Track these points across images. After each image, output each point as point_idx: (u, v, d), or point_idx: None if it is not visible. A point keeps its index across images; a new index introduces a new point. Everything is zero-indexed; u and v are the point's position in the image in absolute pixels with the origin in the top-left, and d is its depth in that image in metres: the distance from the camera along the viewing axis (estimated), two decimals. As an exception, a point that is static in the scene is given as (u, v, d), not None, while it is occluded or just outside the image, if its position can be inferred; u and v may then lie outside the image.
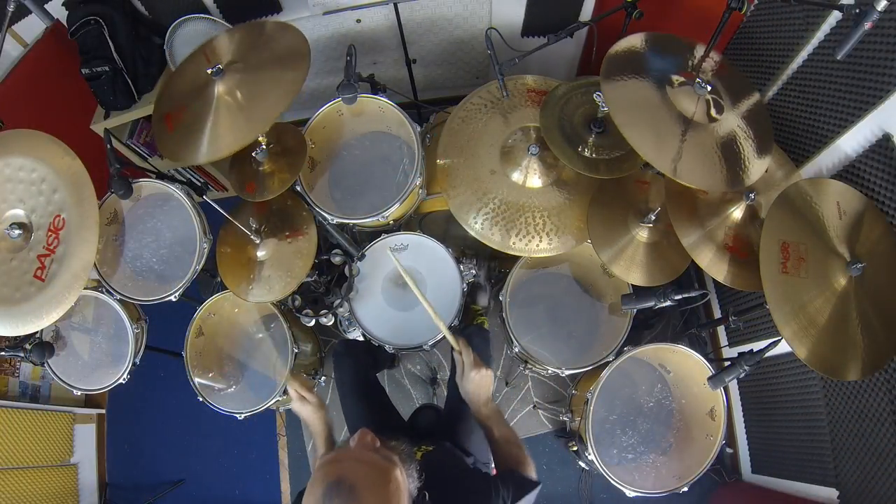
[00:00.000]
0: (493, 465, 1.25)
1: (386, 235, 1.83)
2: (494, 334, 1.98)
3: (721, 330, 2.36)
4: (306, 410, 1.34)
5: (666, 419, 1.92)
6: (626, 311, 1.77)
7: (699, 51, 1.58)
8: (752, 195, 1.51)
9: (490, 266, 2.30)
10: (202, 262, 1.75)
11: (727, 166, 1.44)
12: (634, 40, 1.56)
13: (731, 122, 1.50)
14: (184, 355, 1.94)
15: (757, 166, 1.47)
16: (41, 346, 1.66)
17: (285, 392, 1.90)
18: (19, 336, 1.59)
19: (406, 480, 0.88)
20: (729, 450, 2.32)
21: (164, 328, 1.99)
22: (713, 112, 1.47)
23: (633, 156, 1.65)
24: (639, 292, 1.61)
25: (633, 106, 1.45)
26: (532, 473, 1.16)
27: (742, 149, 1.48)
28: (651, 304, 1.54)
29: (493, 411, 1.24)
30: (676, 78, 1.48)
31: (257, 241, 1.79)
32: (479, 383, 1.22)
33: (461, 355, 1.27)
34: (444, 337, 1.75)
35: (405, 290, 1.82)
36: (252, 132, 1.51)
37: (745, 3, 1.39)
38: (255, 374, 2.09)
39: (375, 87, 1.91)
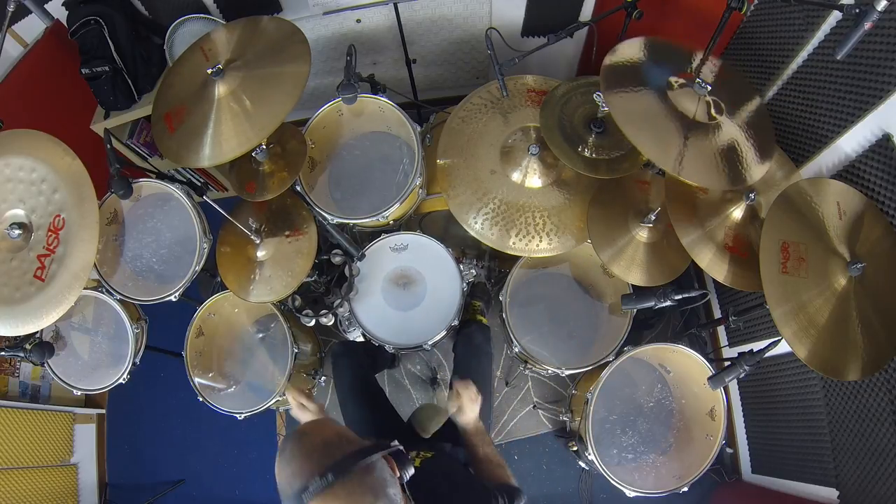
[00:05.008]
0: None
1: (386, 235, 1.83)
2: (494, 334, 1.98)
3: (721, 330, 2.36)
4: (306, 418, 1.35)
5: (666, 419, 1.92)
6: (626, 311, 1.77)
7: (698, 57, 1.59)
8: (752, 195, 1.51)
9: (490, 265, 2.30)
10: (202, 262, 1.75)
11: (728, 169, 1.44)
12: (631, 50, 1.55)
13: (731, 130, 1.49)
14: (184, 355, 1.94)
15: (757, 171, 1.47)
16: (41, 346, 1.66)
17: (285, 392, 1.90)
18: (19, 336, 1.58)
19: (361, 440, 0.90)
20: (729, 450, 2.32)
21: (164, 328, 1.99)
22: (713, 112, 1.47)
23: (634, 156, 1.66)
24: (639, 292, 1.60)
25: (635, 112, 1.45)
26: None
27: (743, 155, 1.47)
28: (651, 304, 1.54)
29: (478, 430, 1.29)
30: (675, 80, 1.47)
31: (257, 241, 1.79)
32: (465, 408, 1.30)
33: (457, 391, 1.33)
34: (443, 336, 1.76)
35: (405, 290, 1.82)
36: (256, 137, 1.52)
37: (745, 3, 1.39)
38: (256, 373, 2.09)
39: (375, 87, 1.90)
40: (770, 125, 1.57)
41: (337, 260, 1.91)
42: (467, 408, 1.30)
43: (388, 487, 0.80)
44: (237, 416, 1.91)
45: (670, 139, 1.42)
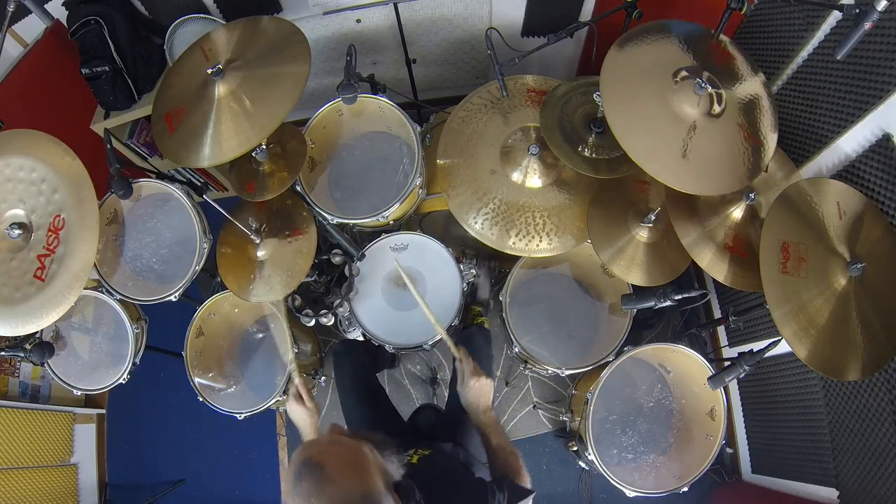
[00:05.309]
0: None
1: (386, 235, 1.83)
2: (494, 334, 1.98)
3: (721, 330, 2.36)
4: (300, 413, 1.33)
5: (666, 419, 1.92)
6: (626, 311, 1.77)
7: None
8: (752, 195, 1.51)
9: (490, 266, 2.30)
10: (202, 262, 1.74)
11: (747, 148, 1.43)
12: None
13: (751, 86, 1.50)
14: (184, 355, 1.94)
15: (771, 139, 1.47)
16: (41, 346, 1.66)
17: (285, 392, 1.90)
18: (19, 336, 1.59)
19: (377, 457, 0.88)
20: (729, 450, 2.32)
21: (164, 328, 1.99)
22: (716, 108, 1.45)
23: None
24: (639, 292, 1.61)
25: (633, 111, 1.44)
26: (527, 483, 1.18)
27: (760, 114, 1.47)
28: (651, 304, 1.54)
29: (491, 420, 1.27)
30: (682, 72, 1.46)
31: (257, 241, 1.79)
32: (478, 391, 1.27)
33: (461, 363, 1.32)
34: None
35: (405, 290, 1.82)
36: (256, 137, 1.52)
37: (745, 3, 1.38)
38: (255, 374, 2.09)
39: (375, 87, 1.90)
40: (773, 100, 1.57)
41: (337, 260, 1.91)
42: (470, 382, 1.27)
43: None
44: (237, 416, 1.91)
45: (669, 151, 1.40)
